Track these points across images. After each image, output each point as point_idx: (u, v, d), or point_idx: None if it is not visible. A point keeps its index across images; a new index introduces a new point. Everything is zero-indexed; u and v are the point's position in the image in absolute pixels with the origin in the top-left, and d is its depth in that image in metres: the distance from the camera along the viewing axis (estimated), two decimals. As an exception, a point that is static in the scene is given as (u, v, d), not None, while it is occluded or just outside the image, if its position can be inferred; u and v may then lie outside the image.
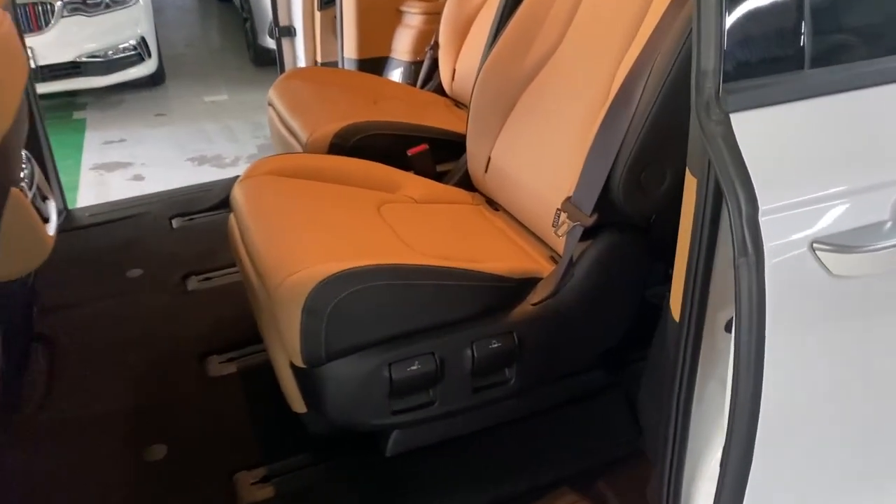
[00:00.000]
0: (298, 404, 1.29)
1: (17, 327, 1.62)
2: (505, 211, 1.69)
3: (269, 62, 5.44)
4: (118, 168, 4.13)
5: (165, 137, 4.57)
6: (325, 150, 1.82)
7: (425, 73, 2.44)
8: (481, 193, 1.77)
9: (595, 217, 1.30)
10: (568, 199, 1.35)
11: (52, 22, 4.51)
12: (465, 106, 2.30)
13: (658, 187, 1.31)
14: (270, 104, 2.18)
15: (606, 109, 1.32)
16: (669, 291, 1.33)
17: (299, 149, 1.88)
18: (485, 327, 1.29)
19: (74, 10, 4.59)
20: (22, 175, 1.37)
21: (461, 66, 2.29)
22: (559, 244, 1.44)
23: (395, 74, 2.55)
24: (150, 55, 4.99)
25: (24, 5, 4.42)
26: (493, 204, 1.74)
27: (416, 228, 1.50)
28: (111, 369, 1.66)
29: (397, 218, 1.53)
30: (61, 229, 2.32)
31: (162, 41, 5.36)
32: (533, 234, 1.57)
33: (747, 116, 0.83)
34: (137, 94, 5.22)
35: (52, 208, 1.61)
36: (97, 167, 4.12)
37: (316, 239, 1.33)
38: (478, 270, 1.29)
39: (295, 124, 1.93)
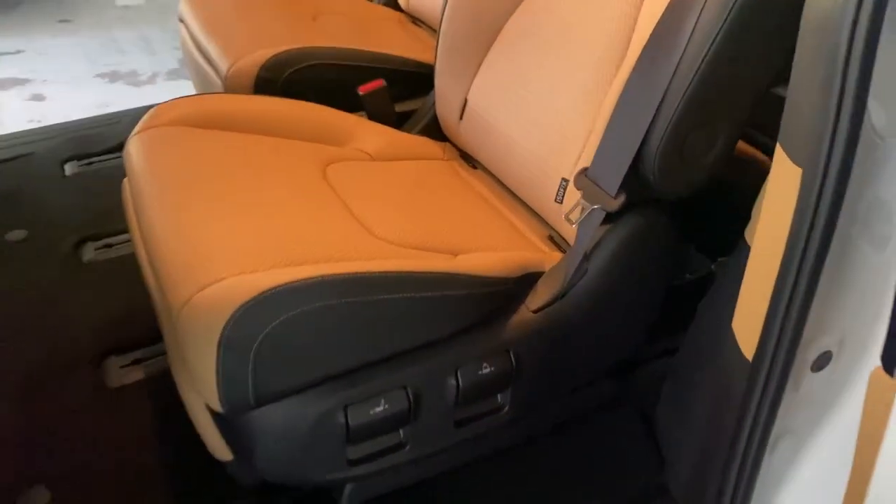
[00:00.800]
0: (221, 452, 0.95)
1: None
2: (486, 169, 1.33)
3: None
4: (14, 86, 3.55)
5: (71, 48, 3.97)
6: (251, 86, 1.41)
7: (375, -18, 2.00)
8: (454, 144, 1.40)
9: (622, 199, 0.96)
10: (583, 171, 1.01)
11: None
12: (425, 24, 1.90)
13: (704, 156, 0.97)
14: (182, 20, 1.73)
15: (636, 56, 0.96)
16: (701, 295, 1.03)
17: (218, 82, 1.47)
18: (473, 347, 0.96)
19: None
20: None
21: (420, -26, 1.86)
22: (560, 221, 1.11)
23: (339, -17, 2.09)
24: (47, -51, 4.29)
25: None
26: (469, 158, 1.38)
27: (375, 200, 1.13)
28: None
29: (349, 184, 1.16)
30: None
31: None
32: (525, 203, 1.23)
33: None
34: (36, -4, 4.54)
35: None
36: (-12, 84, 3.54)
37: (237, 226, 0.96)
38: (461, 272, 0.95)
39: (212, 50, 1.50)
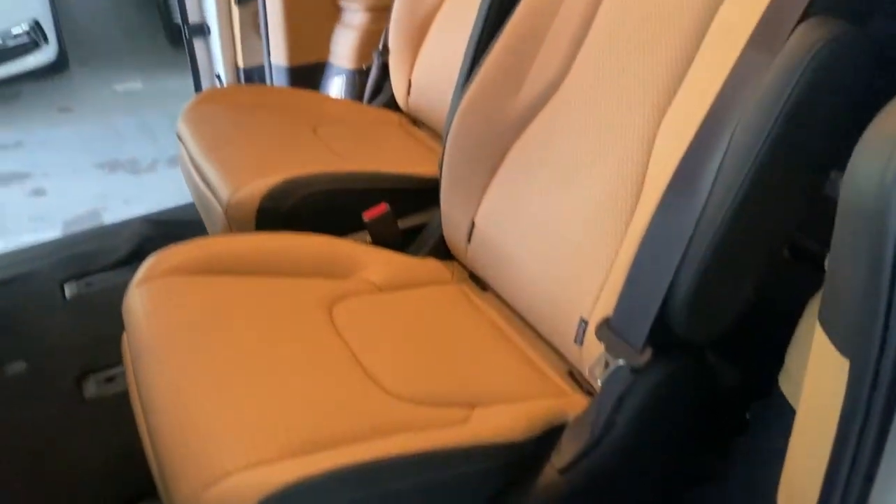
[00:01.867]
0: None
1: None
2: (497, 293, 1.28)
3: (187, 41, 4.85)
4: (14, 180, 3.55)
5: (71, 138, 3.98)
6: (254, 216, 1.38)
7: (373, 83, 1.98)
8: (462, 264, 1.36)
9: (648, 355, 0.91)
10: (605, 321, 0.96)
11: (-77, 8, 3.84)
12: (425, 124, 1.88)
13: (732, 303, 0.92)
14: (180, 139, 1.71)
15: (658, 198, 0.92)
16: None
17: (218, 209, 1.43)
18: (496, 520, 0.90)
19: (-51, -6, 3.92)
20: None
21: (418, 76, 1.84)
22: (581, 359, 1.05)
23: (336, 85, 2.08)
24: (46, 40, 4.33)
25: None
26: (477, 279, 1.33)
27: (385, 346, 1.08)
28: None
29: (356, 324, 1.11)
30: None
31: (65, 16, 4.68)
32: (539, 333, 1.18)
33: None
34: (37, 85, 4.57)
35: None
36: (-12, 180, 3.54)
37: (241, 398, 0.90)
38: (480, 444, 0.89)
39: (213, 176, 1.47)
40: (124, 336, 1.14)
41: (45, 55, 4.34)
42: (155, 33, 5.34)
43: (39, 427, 1.44)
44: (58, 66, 4.59)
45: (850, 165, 0.62)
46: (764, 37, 0.86)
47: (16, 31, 4.16)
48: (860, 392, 0.63)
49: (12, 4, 4.12)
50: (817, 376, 0.70)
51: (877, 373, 0.61)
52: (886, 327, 0.60)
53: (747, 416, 0.96)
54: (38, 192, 3.43)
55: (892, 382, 0.61)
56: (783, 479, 0.79)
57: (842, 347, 0.64)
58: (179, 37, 4.79)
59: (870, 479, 0.67)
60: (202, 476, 0.80)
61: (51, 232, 3.04)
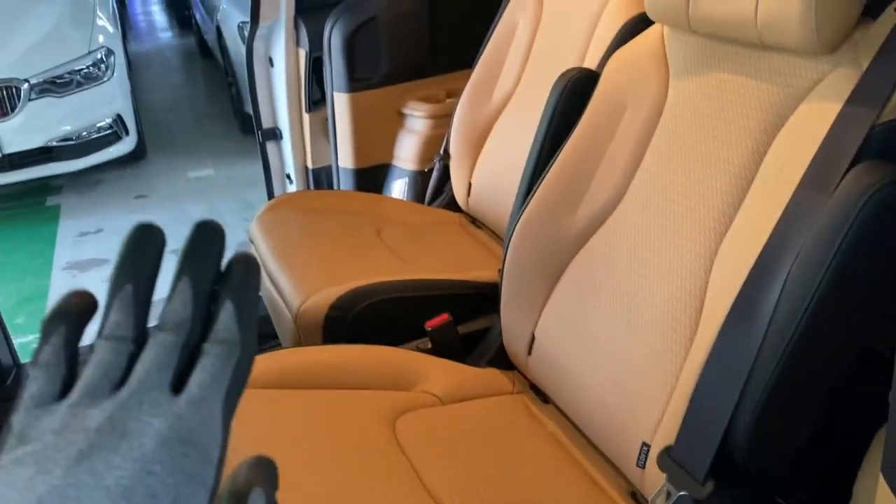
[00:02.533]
0: None
1: None
2: (557, 406, 1.30)
3: (257, 130, 5.10)
4: (93, 267, 3.75)
5: (147, 224, 4.18)
6: (321, 324, 1.43)
7: (435, 184, 2.06)
8: (523, 374, 1.38)
9: (710, 486, 0.91)
10: (666, 450, 0.96)
11: (19, 106, 4.16)
12: (484, 225, 1.93)
13: (798, 438, 0.92)
14: (252, 242, 1.80)
15: (717, 326, 0.94)
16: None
17: (288, 315, 1.50)
18: None
19: (43, 92, 4.23)
20: None
21: (478, 178, 1.91)
22: (642, 482, 1.05)
23: (399, 186, 2.17)
24: (127, 133, 4.62)
25: (-12, 89, 4.07)
26: (538, 390, 1.35)
27: (445, 461, 1.11)
28: None
29: (418, 439, 1.14)
30: (10, 396, 1.94)
31: (142, 104, 5.00)
32: (601, 452, 1.18)
33: None
34: (117, 173, 4.85)
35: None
36: (70, 266, 3.74)
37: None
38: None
39: (283, 283, 1.55)
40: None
41: (125, 146, 4.62)
42: (226, 121, 5.63)
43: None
44: (136, 155, 4.88)
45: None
46: (818, 178, 0.88)
47: (99, 125, 4.46)
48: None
49: (99, 101, 4.42)
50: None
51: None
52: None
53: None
54: (115, 278, 3.60)
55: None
56: None
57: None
58: (249, 124, 5.06)
59: None
60: None
61: (126, 318, 3.18)
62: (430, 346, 1.46)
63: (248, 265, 0.35)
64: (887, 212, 0.81)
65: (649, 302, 1.09)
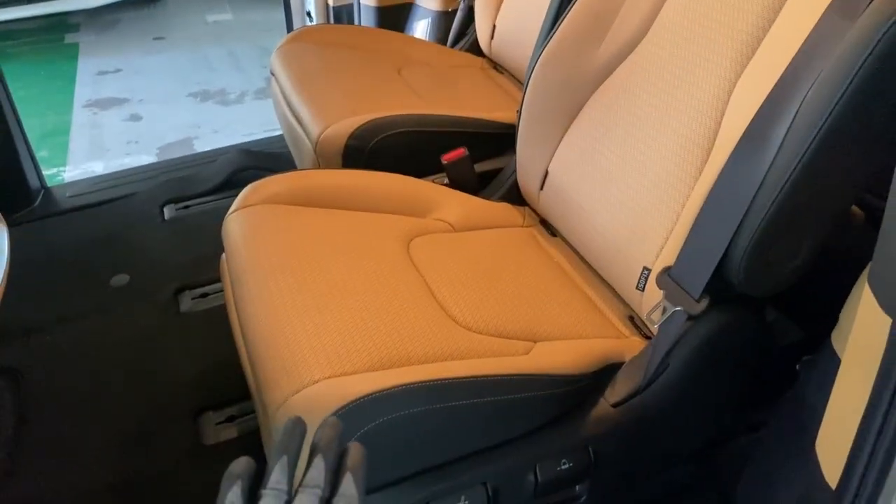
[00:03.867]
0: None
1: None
2: (564, 238, 1.35)
3: (276, -25, 4.93)
4: (113, 105, 3.75)
5: (165, 66, 4.15)
6: (340, 153, 1.47)
7: (458, 27, 2.03)
8: (533, 209, 1.42)
9: (704, 303, 0.96)
10: (665, 270, 1.01)
11: (35, -65, 4.02)
12: (506, 70, 1.92)
13: (789, 262, 0.97)
14: (273, 74, 1.80)
15: (726, 155, 0.96)
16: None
17: (307, 144, 1.53)
18: (552, 444, 0.99)
19: (58, -79, 4.09)
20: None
21: (503, 22, 1.88)
22: (641, 306, 1.12)
23: (421, 27, 2.13)
24: (144, -30, 4.49)
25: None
26: (548, 225, 1.40)
27: (458, 279, 1.17)
28: (87, 425, 1.38)
29: (432, 261, 1.20)
30: (38, 215, 2.02)
31: (160, -51, 4.82)
32: (602, 278, 1.24)
33: None
34: (134, 13, 4.76)
35: (3, 238, 1.30)
36: (90, 104, 3.74)
37: (328, 322, 1.00)
38: (542, 373, 0.97)
39: (303, 112, 1.57)
40: (223, 257, 1.26)
41: (143, -16, 4.50)
42: (245, -34, 5.44)
43: (138, 338, 1.59)
44: (153, -5, 4.77)
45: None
46: (845, 3, 0.87)
47: (116, -41, 4.32)
48: (898, 353, 0.68)
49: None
50: (862, 333, 0.75)
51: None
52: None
53: (797, 367, 1.01)
54: (135, 118, 3.63)
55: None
56: (822, 431, 0.84)
57: (886, 307, 0.69)
58: (269, -31, 4.89)
59: (892, 453, 0.72)
60: (292, 383, 0.91)
61: (145, 156, 3.23)
62: (445, 181, 1.50)
63: (361, 451, 0.55)
64: (908, 41, 0.81)
65: (664, 134, 1.11)
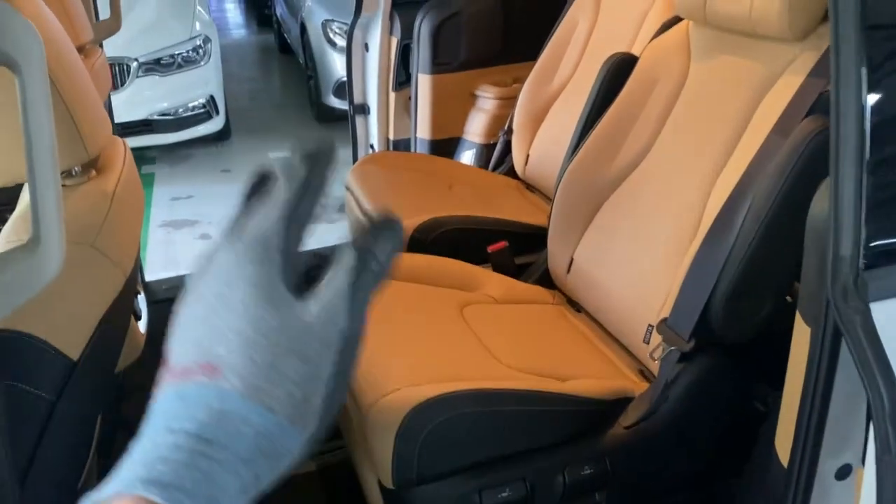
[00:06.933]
0: (385, 524, 1.28)
1: (105, 416, 1.64)
2: (587, 313, 1.66)
3: (331, 119, 5.55)
4: (185, 226, 4.23)
5: (231, 194, 4.46)
6: (406, 244, 1.83)
7: (498, 155, 2.45)
8: (562, 292, 1.75)
9: (692, 343, 1.27)
10: (663, 320, 1.33)
11: (128, 81, 4.69)
12: (537, 190, 2.30)
13: (756, 315, 1.28)
14: (348, 188, 2.21)
15: (705, 233, 1.30)
16: (767, 417, 1.29)
17: (378, 239, 1.89)
18: (577, 452, 1.26)
19: (149, 71, 4.77)
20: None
21: (535, 150, 2.29)
22: (648, 358, 1.41)
23: (467, 156, 2.56)
24: (218, 112, 5.14)
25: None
26: (573, 304, 1.72)
27: (501, 334, 1.48)
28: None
29: (480, 321, 1.52)
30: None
31: (228, 94, 5.49)
32: (618, 341, 1.55)
33: (889, 305, 0.80)
34: (204, 150, 5.36)
35: (142, 303, 1.64)
36: (165, 224, 4.23)
37: (406, 352, 1.33)
38: (569, 393, 1.27)
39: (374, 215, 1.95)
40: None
41: (215, 125, 5.14)
42: (303, 111, 6.13)
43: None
44: (223, 135, 5.39)
45: (810, 210, 0.99)
46: (783, 125, 1.24)
47: (194, 104, 4.97)
48: (815, 351, 0.97)
49: (195, 82, 4.94)
50: (795, 349, 1.05)
51: (824, 332, 0.96)
52: (828, 305, 0.95)
53: (769, 401, 1.29)
54: (205, 237, 4.09)
55: (833, 340, 0.95)
56: (778, 426, 1.12)
57: (805, 315, 0.99)
58: (325, 114, 5.55)
59: (822, 421, 0.99)
60: (376, 393, 1.21)
61: (216, 268, 3.64)
62: (490, 268, 1.84)
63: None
64: (822, 149, 1.16)
65: (662, 224, 1.46)
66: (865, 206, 0.78)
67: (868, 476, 0.83)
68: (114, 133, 1.21)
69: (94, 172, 0.95)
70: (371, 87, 2.70)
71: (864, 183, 0.77)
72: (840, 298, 0.82)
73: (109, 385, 1.14)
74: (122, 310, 1.03)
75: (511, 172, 2.41)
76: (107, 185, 0.94)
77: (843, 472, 1.05)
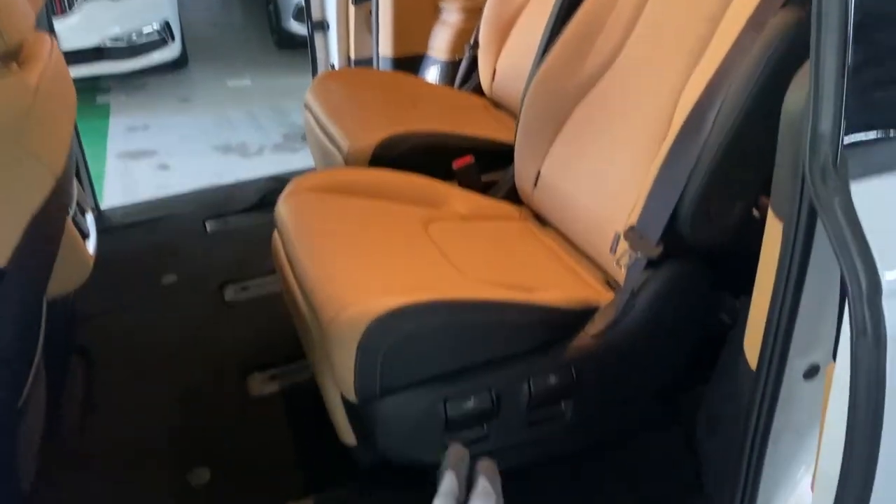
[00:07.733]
0: (348, 437, 1.25)
1: (56, 341, 1.59)
2: (554, 227, 1.63)
3: (292, 45, 5.37)
4: (143, 157, 4.09)
5: (189, 124, 4.52)
6: (367, 161, 1.77)
7: (463, 72, 2.37)
8: (529, 207, 1.71)
9: (661, 248, 1.24)
10: (631, 227, 1.29)
11: (76, 5, 4.46)
12: (505, 107, 2.23)
13: (726, 219, 1.25)
14: (307, 107, 2.12)
15: (674, 136, 1.26)
16: (735, 325, 1.28)
17: (339, 157, 1.83)
18: (542, 362, 1.24)
19: (98, -5, 4.53)
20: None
21: (502, 66, 2.21)
22: (615, 268, 1.39)
23: (432, 73, 2.47)
24: (173, 39, 4.92)
25: (48, -11, 4.35)
26: (541, 219, 1.68)
27: (466, 250, 1.44)
28: (150, 386, 1.63)
29: (446, 238, 1.48)
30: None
31: (183, 22, 5.26)
32: (586, 255, 1.52)
33: (869, 184, 0.77)
34: (160, 78, 5.16)
35: (90, 223, 1.57)
36: (122, 155, 4.08)
37: (367, 266, 1.28)
38: (535, 303, 1.24)
39: (334, 131, 1.87)
40: (274, 234, 1.54)
41: (170, 52, 4.93)
42: (263, 37, 5.91)
43: (191, 321, 1.85)
44: (179, 63, 5.19)
45: (784, 101, 0.94)
46: (757, 19, 1.18)
47: (147, 29, 4.75)
48: (787, 245, 0.95)
49: (149, 7, 4.71)
50: (766, 243, 1.02)
51: (797, 225, 0.93)
52: (801, 195, 0.92)
53: (737, 305, 1.27)
54: (163, 167, 3.96)
55: (806, 233, 0.92)
56: (746, 332, 1.10)
57: (778, 210, 0.96)
58: (285, 41, 5.36)
59: (793, 318, 0.97)
60: (339, 303, 1.17)
61: (175, 198, 3.54)
62: (456, 185, 1.79)
63: (491, 462, 0.65)
64: (800, 42, 1.11)
65: (631, 130, 1.41)
66: (847, 76, 0.74)
67: (840, 368, 0.82)
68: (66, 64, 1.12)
69: (14, 66, 0.87)
70: (330, 2, 2.57)
71: (847, 51, 0.73)
72: (818, 178, 0.78)
73: (40, 299, 1.08)
74: (53, 216, 0.97)
75: (478, 90, 2.34)
76: (29, 79, 0.86)
77: (812, 371, 1.04)
